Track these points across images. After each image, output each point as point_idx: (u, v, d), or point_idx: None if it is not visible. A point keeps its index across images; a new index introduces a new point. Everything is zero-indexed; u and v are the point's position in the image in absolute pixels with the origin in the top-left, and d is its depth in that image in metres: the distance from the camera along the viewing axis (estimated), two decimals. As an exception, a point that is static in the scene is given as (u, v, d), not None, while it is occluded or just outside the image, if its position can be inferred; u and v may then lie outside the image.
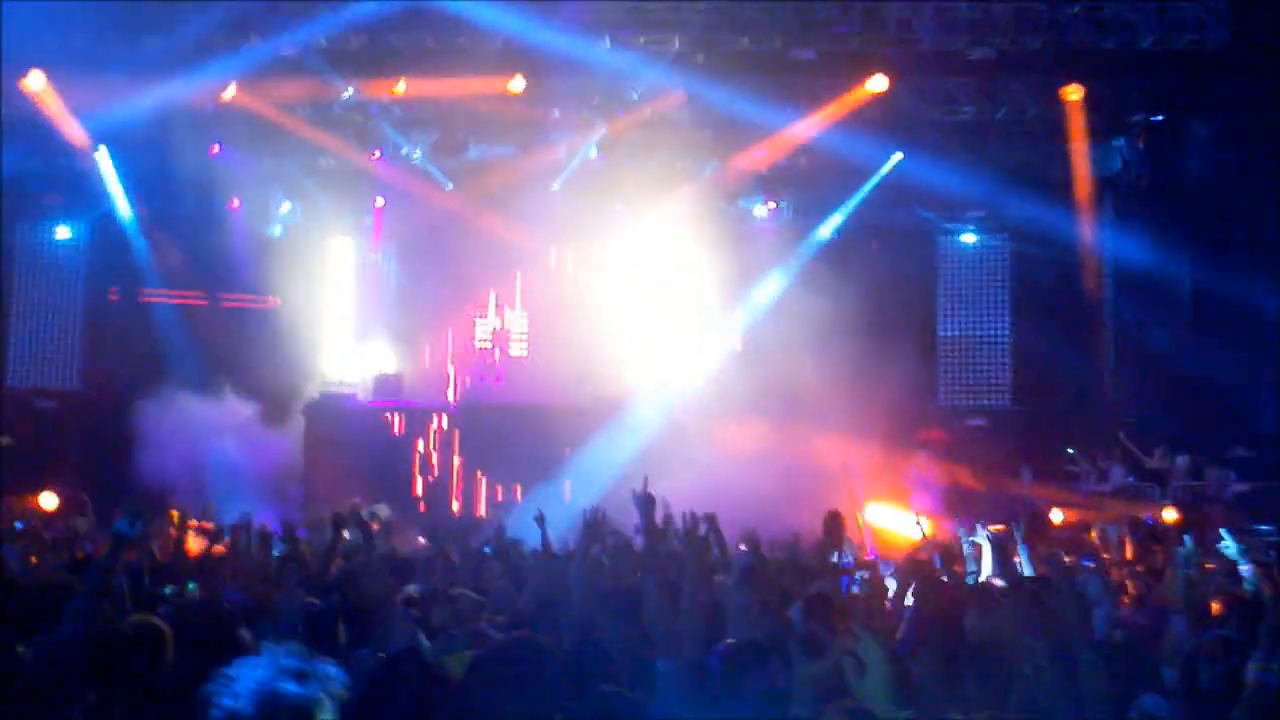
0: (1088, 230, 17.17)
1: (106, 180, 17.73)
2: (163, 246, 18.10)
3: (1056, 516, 14.18)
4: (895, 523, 14.15)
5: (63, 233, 18.66)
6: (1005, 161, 17.15)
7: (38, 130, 16.10)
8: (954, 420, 17.77)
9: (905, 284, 17.74)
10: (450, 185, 18.33)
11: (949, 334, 18.31)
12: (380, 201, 18.96)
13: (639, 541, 9.58)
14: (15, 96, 15.45)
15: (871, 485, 14.56)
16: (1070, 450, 16.33)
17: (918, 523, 11.65)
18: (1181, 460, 15.17)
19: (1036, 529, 9.99)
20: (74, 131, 16.53)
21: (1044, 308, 17.53)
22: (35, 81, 15.75)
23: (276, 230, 18.98)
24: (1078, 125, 16.32)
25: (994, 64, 15.78)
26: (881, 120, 16.73)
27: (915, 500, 15.10)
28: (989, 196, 17.44)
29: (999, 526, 8.82)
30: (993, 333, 18.20)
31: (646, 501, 7.24)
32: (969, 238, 18.39)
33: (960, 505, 14.31)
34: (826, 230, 18.15)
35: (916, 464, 16.16)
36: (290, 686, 2.76)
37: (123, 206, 18.00)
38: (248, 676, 2.78)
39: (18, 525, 11.34)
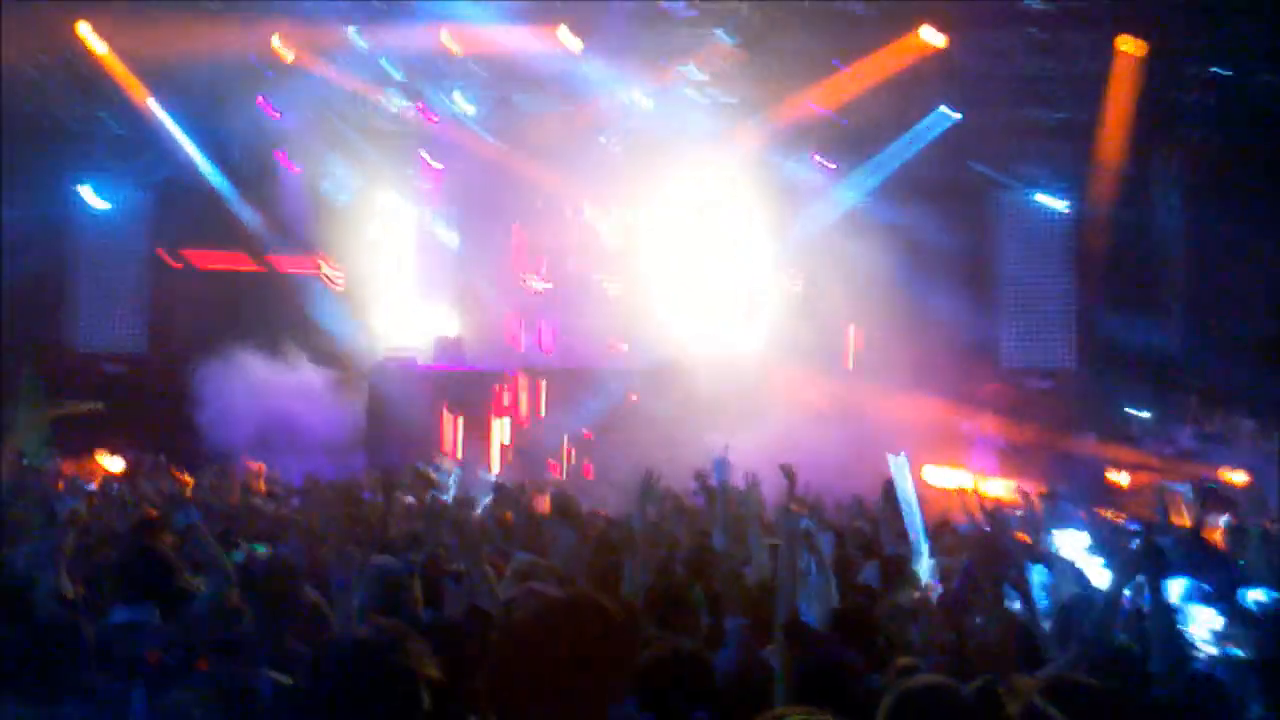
0: (1151, 189, 16.86)
1: (166, 140, 17.83)
2: (222, 208, 18.22)
3: (1120, 478, 14.02)
4: (952, 483, 14.05)
5: (121, 196, 18.83)
6: (1064, 117, 16.81)
7: (94, 89, 16.30)
8: (1016, 381, 17.56)
9: (965, 243, 17.47)
10: (498, 141, 18.23)
11: (1011, 294, 18.07)
12: (435, 163, 18.94)
13: (697, 501, 9.68)
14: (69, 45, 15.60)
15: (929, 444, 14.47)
16: (1133, 410, 16.10)
17: (973, 485, 11.56)
18: (1248, 424, 14.92)
19: (1096, 490, 9.95)
20: (129, 85, 16.68)
21: (1108, 267, 17.21)
22: (99, 47, 15.96)
23: (333, 193, 18.99)
24: (1136, 79, 15.97)
25: (1052, 16, 15.53)
26: (936, 75, 16.52)
27: (974, 459, 14.98)
28: (1049, 153, 17.15)
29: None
30: (1056, 292, 17.92)
31: (723, 465, 7.31)
32: (1036, 196, 18.08)
33: (1020, 464, 14.18)
34: (880, 187, 17.92)
35: (976, 422, 16.03)
36: None
37: (183, 166, 18.11)
38: None
39: (88, 486, 11.51)
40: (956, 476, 13.91)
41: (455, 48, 16.38)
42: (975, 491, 10.89)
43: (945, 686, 3.59)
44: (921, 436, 14.25)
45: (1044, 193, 17.94)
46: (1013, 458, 15.08)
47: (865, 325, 16.34)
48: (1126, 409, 16.22)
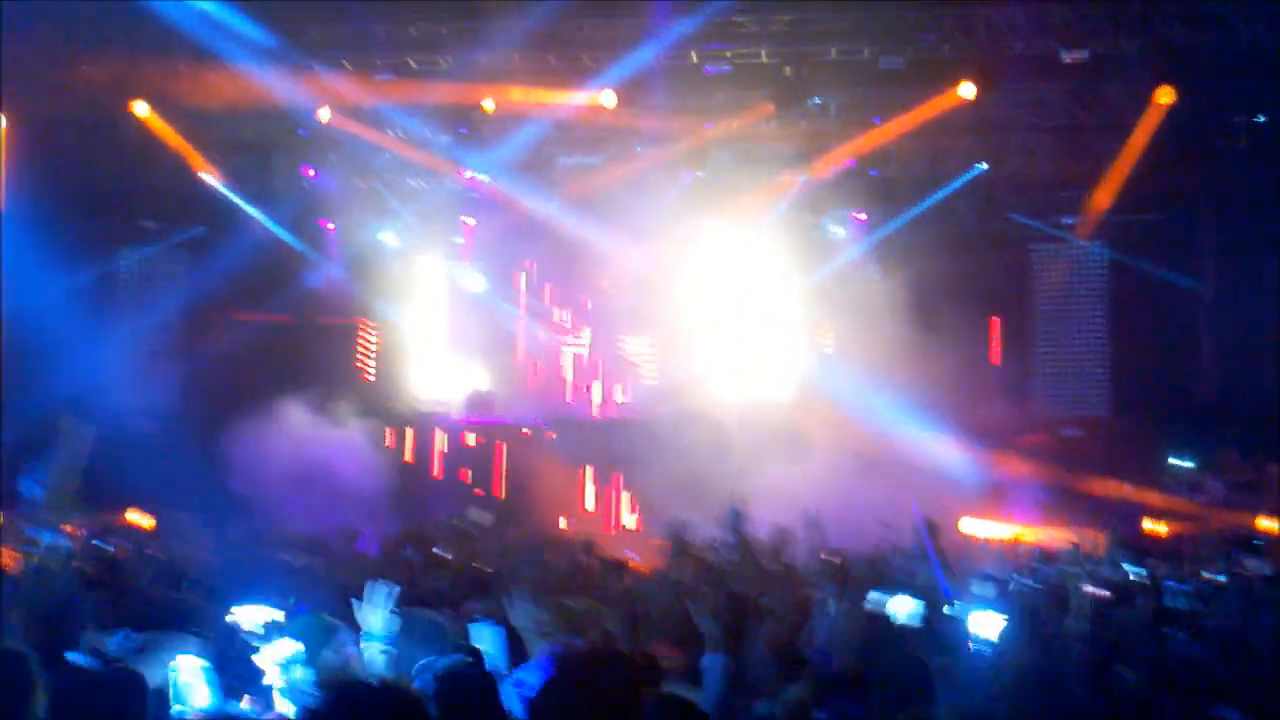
0: (1185, 236, 16.76)
1: (210, 201, 18.10)
2: (260, 268, 18.39)
3: (1154, 527, 13.82)
4: (991, 533, 13.89)
5: (163, 253, 19.04)
6: (1101, 165, 16.76)
7: (138, 154, 16.58)
8: (1051, 429, 17.38)
9: (999, 291, 17.40)
10: (533, 197, 18.38)
11: (1046, 342, 17.94)
12: (471, 220, 19.12)
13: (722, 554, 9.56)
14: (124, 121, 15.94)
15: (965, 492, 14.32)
16: (1176, 460, 15.87)
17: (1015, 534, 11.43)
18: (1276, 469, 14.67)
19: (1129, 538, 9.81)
20: (177, 154, 16.99)
21: (1143, 316, 17.09)
22: (141, 110, 16.31)
23: (372, 253, 19.21)
24: (1172, 128, 15.91)
25: (1088, 67, 15.55)
26: (972, 127, 16.57)
27: (1012, 507, 14.81)
28: (1084, 202, 17.10)
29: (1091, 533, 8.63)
30: (1090, 340, 17.77)
31: (737, 518, 7.20)
32: (1065, 243, 17.99)
33: (1058, 510, 13.99)
34: (914, 238, 17.89)
35: (1014, 468, 15.86)
36: None
37: (223, 227, 18.35)
38: None
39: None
40: (994, 528, 13.77)
41: (490, 106, 16.56)
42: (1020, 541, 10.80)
43: None
44: (956, 484, 14.15)
45: (1077, 239, 17.82)
46: (1050, 506, 14.86)
47: (897, 374, 16.21)
48: (1170, 459, 15.96)
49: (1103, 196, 16.95)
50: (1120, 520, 11.08)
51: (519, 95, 16.18)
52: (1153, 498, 14.96)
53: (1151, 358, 16.70)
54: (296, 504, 14.99)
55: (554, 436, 17.58)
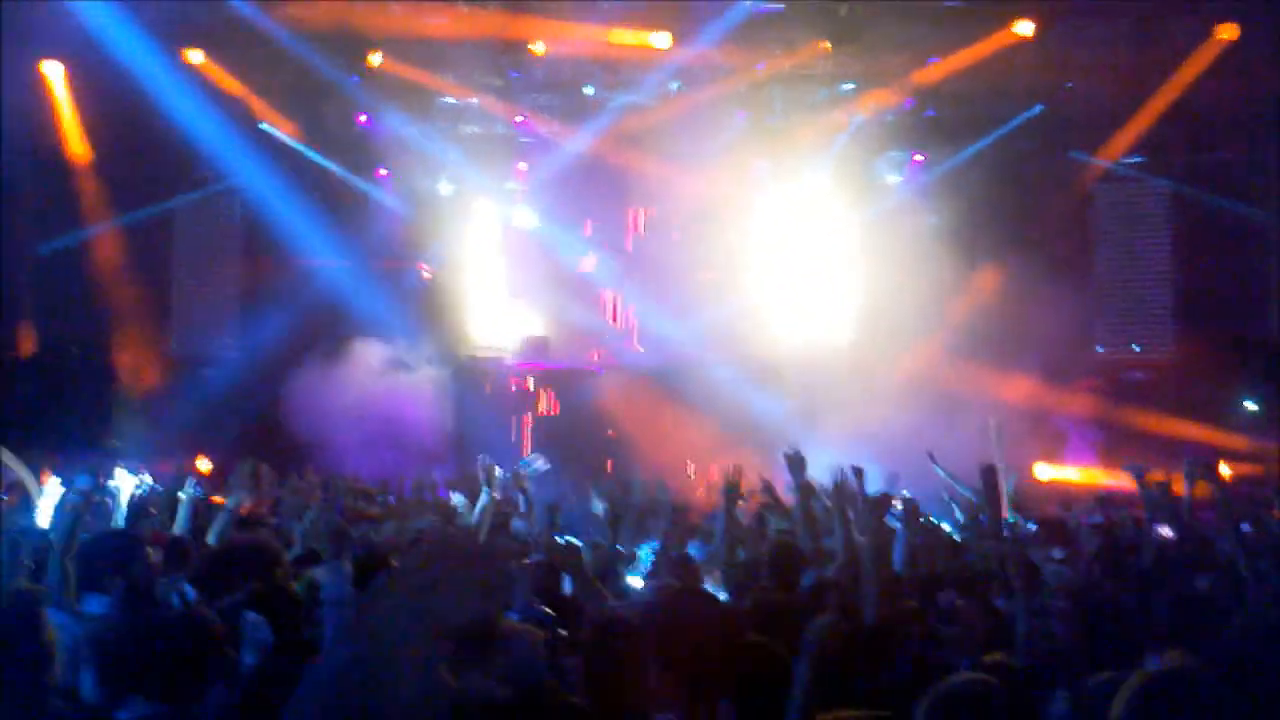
0: (1251, 171, 16.43)
1: (263, 149, 18.15)
2: (316, 215, 18.45)
3: (1225, 470, 13.64)
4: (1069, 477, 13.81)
5: (215, 205, 19.17)
6: (1162, 102, 16.45)
7: (191, 104, 16.67)
8: (1113, 369, 17.21)
9: (1061, 231, 17.17)
10: (586, 137, 18.28)
11: (1109, 281, 17.71)
12: (524, 165, 19.08)
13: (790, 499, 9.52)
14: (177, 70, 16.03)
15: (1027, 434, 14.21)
16: (1249, 402, 15.65)
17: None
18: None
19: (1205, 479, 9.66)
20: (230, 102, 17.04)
21: (1209, 253, 16.80)
22: (195, 57, 16.40)
23: (425, 197, 19.21)
24: (1236, 63, 15.59)
25: (1148, 3, 15.28)
26: (1031, 65, 16.30)
27: (1073, 447, 14.72)
28: (1146, 138, 16.81)
29: (1160, 475, 8.50)
30: (1154, 279, 17.53)
31: (797, 461, 7.14)
32: (1127, 181, 17.69)
33: (1123, 451, 13.86)
34: (973, 177, 17.66)
35: (1076, 409, 15.75)
36: None
37: (276, 173, 18.43)
38: None
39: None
40: (1069, 472, 13.69)
41: (540, 49, 16.45)
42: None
43: (986, 684, 3.45)
44: (1021, 429, 14.04)
45: (1139, 176, 17.52)
46: (1114, 449, 14.74)
47: (959, 311, 16.08)
48: (1245, 400, 15.74)
49: (1165, 131, 16.68)
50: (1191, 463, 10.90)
51: (571, 34, 16.00)
52: (1223, 439, 14.75)
53: (1217, 296, 16.44)
54: (361, 451, 15.12)
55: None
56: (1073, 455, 15.18)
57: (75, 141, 17.22)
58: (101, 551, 5.30)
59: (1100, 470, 13.60)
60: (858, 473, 6.90)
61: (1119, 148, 17.13)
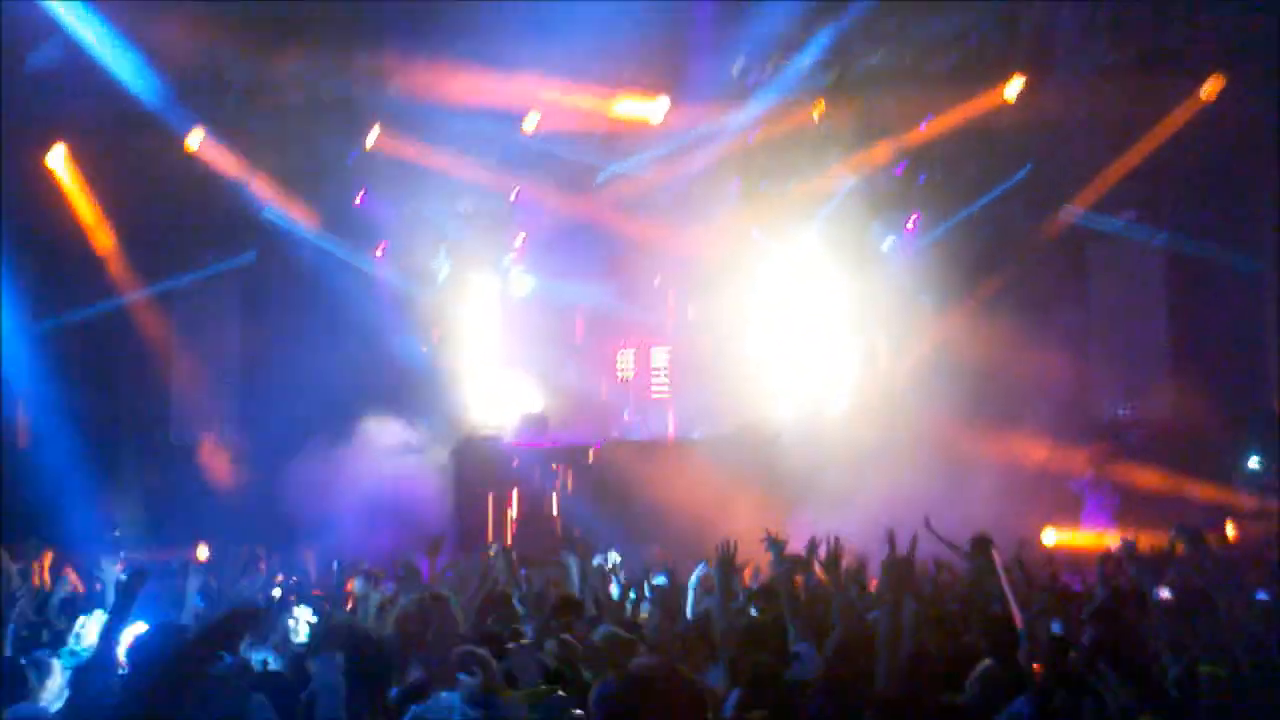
0: (1244, 223, 16.49)
1: (262, 228, 18.23)
2: (312, 294, 18.47)
3: (1231, 531, 13.54)
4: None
5: (216, 286, 19.15)
6: (1155, 158, 16.54)
7: (192, 184, 16.76)
8: (1119, 430, 17.13)
9: (1057, 289, 17.19)
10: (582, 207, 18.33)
11: (1105, 341, 17.68)
12: (520, 239, 19.14)
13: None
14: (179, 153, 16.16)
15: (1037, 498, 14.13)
16: (1247, 463, 15.57)
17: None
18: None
19: (1199, 543, 9.60)
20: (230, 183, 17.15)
21: (1205, 308, 16.80)
22: (194, 140, 16.52)
23: (423, 277, 19.28)
24: (1226, 116, 15.68)
25: (1136, 62, 15.39)
26: (1020, 126, 16.41)
27: (1089, 511, 14.63)
28: (1139, 194, 16.89)
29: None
30: (1152, 338, 17.50)
31: (776, 547, 7.04)
32: (1120, 239, 17.70)
33: (1137, 514, 13.78)
34: (966, 240, 17.70)
35: (1084, 473, 15.66)
36: None
37: (275, 254, 18.48)
38: None
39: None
40: (1077, 536, 13.59)
41: (530, 126, 16.56)
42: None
43: None
44: (1027, 492, 13.97)
45: (1137, 234, 17.57)
46: (1128, 512, 14.64)
47: (955, 380, 16.02)
48: (1252, 458, 15.64)
49: (1155, 186, 16.77)
50: (1197, 524, 10.83)
51: (567, 106, 16.09)
52: (1231, 499, 14.68)
53: (1215, 351, 16.38)
54: (363, 533, 15.00)
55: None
56: (1088, 519, 15.08)
57: (76, 221, 17.24)
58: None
59: (1113, 534, 13.47)
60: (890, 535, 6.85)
61: (1110, 204, 17.21)
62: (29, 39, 14.45)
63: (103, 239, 17.39)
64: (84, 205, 17.18)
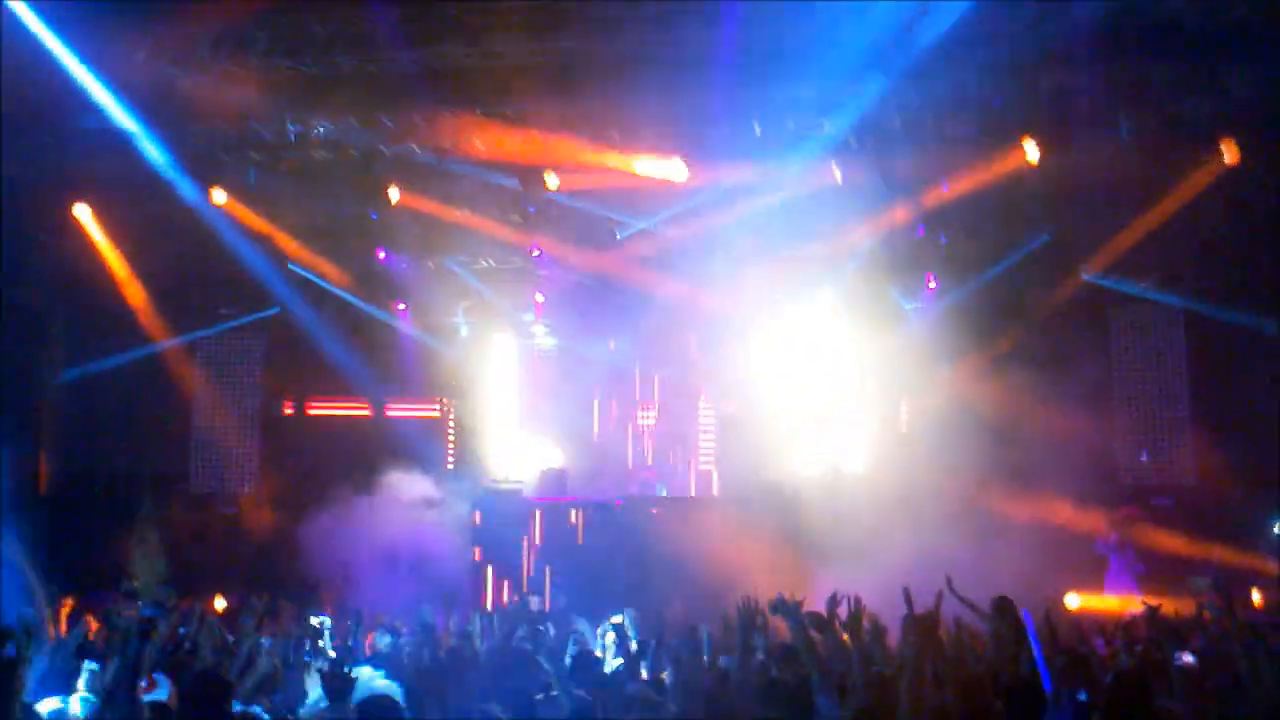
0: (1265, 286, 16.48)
1: (281, 288, 18.37)
2: (332, 351, 18.58)
3: (1257, 597, 13.45)
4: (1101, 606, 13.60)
5: (238, 339, 19.28)
6: (1175, 223, 16.57)
7: (217, 238, 16.92)
8: (1145, 494, 17.02)
9: (1077, 357, 17.15)
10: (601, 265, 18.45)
11: (1127, 407, 17.64)
12: (540, 297, 19.25)
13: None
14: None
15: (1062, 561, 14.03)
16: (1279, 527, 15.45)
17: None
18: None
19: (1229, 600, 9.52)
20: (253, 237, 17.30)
21: (1226, 373, 16.77)
22: (219, 197, 16.66)
23: (444, 333, 19.41)
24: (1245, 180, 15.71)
25: (1156, 127, 15.45)
26: (1040, 190, 16.47)
27: (1113, 575, 14.52)
28: (1159, 259, 16.91)
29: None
30: (1173, 402, 17.45)
31: (789, 610, 7.00)
32: (1140, 303, 17.74)
33: (1161, 578, 13.68)
34: (985, 303, 17.73)
35: (1107, 536, 15.55)
36: None
37: (296, 313, 18.61)
38: None
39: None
40: (1099, 600, 13.49)
41: (554, 184, 16.69)
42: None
43: None
44: (1048, 555, 13.87)
45: (1157, 298, 17.56)
46: (1153, 576, 14.53)
47: (975, 440, 15.97)
48: (1277, 523, 15.52)
49: (1174, 250, 16.78)
50: (1223, 590, 10.74)
51: (587, 166, 16.21)
52: (1258, 564, 14.56)
53: (1238, 417, 16.31)
54: (382, 585, 14.99)
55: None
56: (1111, 583, 14.98)
57: (102, 274, 17.39)
58: None
59: (1136, 598, 13.36)
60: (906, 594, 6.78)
61: (1131, 269, 17.23)
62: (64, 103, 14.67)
63: (129, 291, 17.53)
64: (110, 258, 17.35)
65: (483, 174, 16.61)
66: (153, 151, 15.63)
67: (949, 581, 9.84)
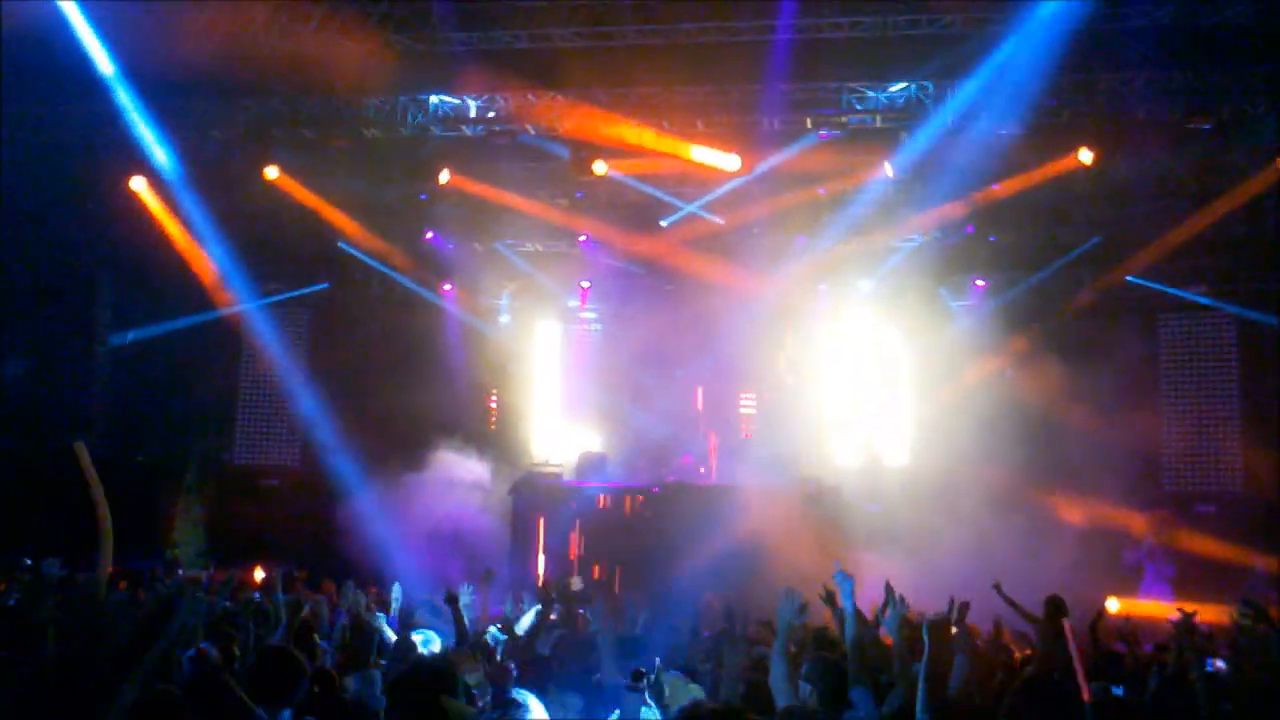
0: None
1: (330, 264, 18.50)
2: (381, 326, 18.71)
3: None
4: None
5: (286, 313, 19.46)
6: (1227, 228, 16.41)
7: (269, 212, 17.07)
8: (1181, 506, 16.88)
9: (1125, 359, 17.03)
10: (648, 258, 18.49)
11: (1174, 411, 17.50)
12: (586, 284, 19.33)
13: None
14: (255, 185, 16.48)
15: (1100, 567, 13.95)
16: None
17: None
18: None
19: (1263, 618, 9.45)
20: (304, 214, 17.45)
21: (1276, 379, 16.58)
22: (271, 172, 16.81)
23: (489, 316, 19.52)
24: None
25: (1212, 133, 15.32)
26: (1092, 193, 16.38)
27: (1148, 582, 14.43)
28: (1211, 267, 16.76)
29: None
30: (1221, 409, 17.29)
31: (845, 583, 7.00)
32: (1191, 309, 17.59)
33: (1197, 585, 13.57)
34: (1034, 304, 17.64)
35: (1148, 541, 15.46)
36: None
37: (347, 285, 18.75)
38: None
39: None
40: (1133, 605, 13.39)
41: (601, 170, 16.70)
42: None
43: None
44: (1086, 557, 13.80)
45: (1208, 303, 17.40)
46: (1188, 583, 14.42)
47: (1017, 443, 15.89)
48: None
49: (1228, 258, 16.64)
50: (1263, 597, 10.65)
51: (640, 144, 16.21)
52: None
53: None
54: (422, 562, 15.09)
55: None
56: (1147, 589, 14.88)
57: (155, 244, 17.58)
58: None
59: (1169, 604, 13.29)
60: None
61: (1182, 275, 17.09)
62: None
63: (179, 263, 17.71)
64: (164, 229, 17.53)
65: (532, 157, 16.66)
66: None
67: (997, 586, 9.88)
